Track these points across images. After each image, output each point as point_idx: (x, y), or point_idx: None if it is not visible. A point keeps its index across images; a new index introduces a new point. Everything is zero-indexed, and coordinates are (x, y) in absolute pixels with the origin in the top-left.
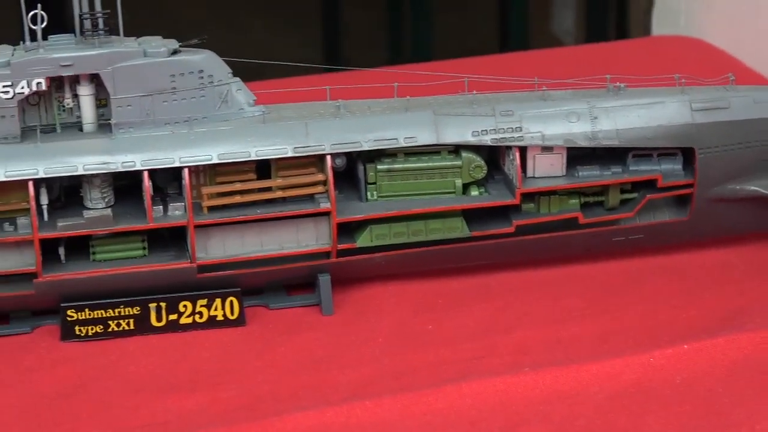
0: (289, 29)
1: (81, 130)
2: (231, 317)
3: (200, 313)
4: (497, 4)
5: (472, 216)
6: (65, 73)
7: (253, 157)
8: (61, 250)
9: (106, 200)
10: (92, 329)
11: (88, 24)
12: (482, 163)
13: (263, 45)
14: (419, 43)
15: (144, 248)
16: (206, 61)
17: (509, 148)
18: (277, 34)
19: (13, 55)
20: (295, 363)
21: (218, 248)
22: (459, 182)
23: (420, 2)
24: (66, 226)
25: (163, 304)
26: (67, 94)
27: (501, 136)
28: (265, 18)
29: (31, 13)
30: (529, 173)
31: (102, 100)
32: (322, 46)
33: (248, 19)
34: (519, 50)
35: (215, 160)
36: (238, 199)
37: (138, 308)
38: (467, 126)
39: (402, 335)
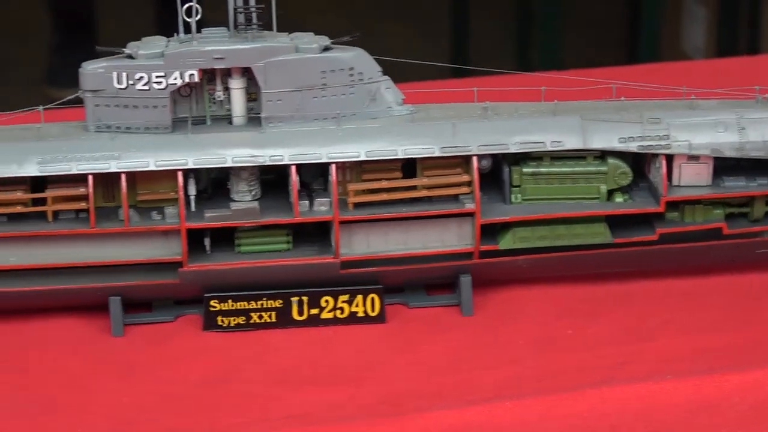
0: (418, 37)
1: (230, 123)
2: (372, 314)
3: (341, 309)
4: (627, 20)
5: (615, 222)
6: (218, 66)
7: (400, 156)
8: (207, 241)
9: (253, 193)
10: (234, 320)
11: (241, 18)
12: (628, 169)
13: (394, 52)
14: (547, 54)
15: (289, 242)
16: (357, 58)
17: (655, 155)
18: (408, 40)
19: (167, 46)
20: (436, 362)
21: (362, 245)
22: (604, 188)
23: (550, 15)
24: (213, 217)
25: (305, 299)
26: (219, 87)
27: (648, 143)
28: (395, 25)
29: (186, 5)
30: (674, 182)
31: (252, 94)
32: (450, 54)
33: (379, 25)
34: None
35: (362, 157)
36: (383, 196)
37: (280, 301)
38: (614, 132)
39: (544, 338)
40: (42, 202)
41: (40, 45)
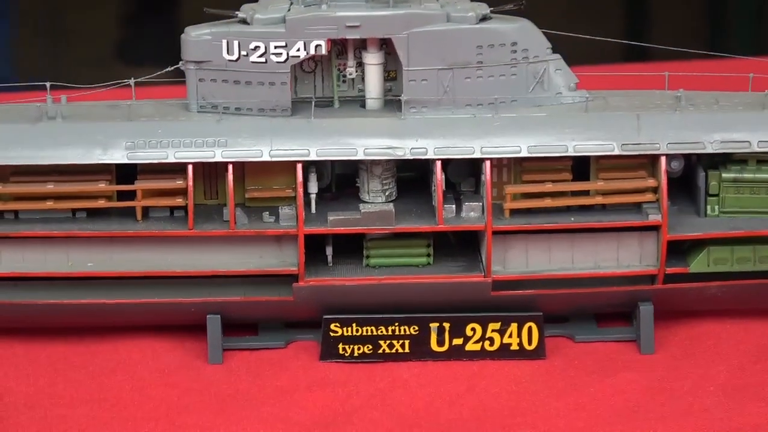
0: (586, 19)
1: (363, 106)
2: (528, 347)
3: (491, 339)
4: None
5: None
6: (351, 35)
7: (571, 153)
8: (329, 250)
9: (387, 194)
10: (359, 349)
11: None
12: None
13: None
14: (743, 38)
15: (429, 255)
16: (521, 31)
17: None
18: (576, 22)
19: (289, 10)
20: (605, 409)
21: (519, 261)
22: None
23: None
24: (337, 221)
25: (446, 325)
26: (350, 62)
27: None
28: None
29: None
30: None
31: (391, 72)
32: (624, 37)
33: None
34: None
35: (524, 153)
36: (548, 202)
37: (416, 327)
38: None
39: (739, 385)
40: (130, 195)
41: (108, 16)
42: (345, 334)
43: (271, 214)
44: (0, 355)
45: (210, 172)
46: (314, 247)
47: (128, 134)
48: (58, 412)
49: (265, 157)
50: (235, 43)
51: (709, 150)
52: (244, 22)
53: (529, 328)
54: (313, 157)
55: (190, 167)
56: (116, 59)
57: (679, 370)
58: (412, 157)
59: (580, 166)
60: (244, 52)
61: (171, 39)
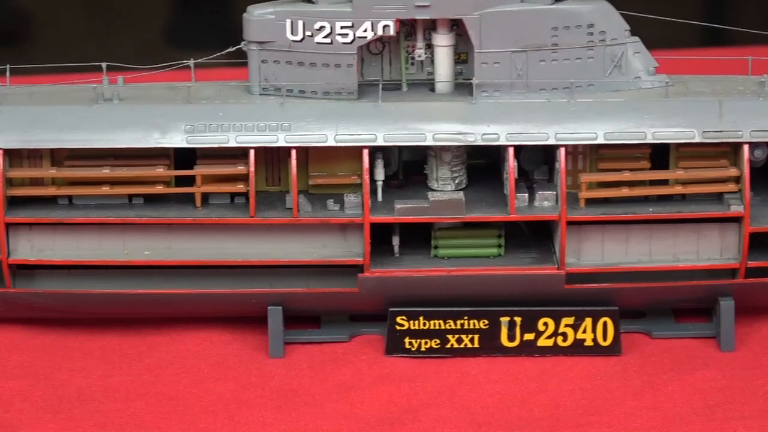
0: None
1: (432, 90)
2: (603, 343)
3: (564, 335)
4: None
5: None
6: (420, 15)
7: (650, 140)
8: (396, 240)
9: (457, 181)
10: (426, 343)
11: None
12: None
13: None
14: None
15: (500, 246)
16: (599, 12)
17: None
18: (653, 3)
19: None
20: (682, 408)
21: (594, 253)
22: None
23: None
24: (405, 210)
25: (517, 319)
26: (420, 44)
27: None
28: None
29: None
30: None
31: (462, 54)
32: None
33: None
34: None
35: (600, 140)
36: (625, 191)
37: (486, 322)
38: None
39: None
40: (189, 181)
41: None
42: (412, 327)
43: (335, 202)
44: (53, 346)
45: (272, 158)
46: (381, 237)
47: (188, 117)
48: (113, 406)
49: (330, 142)
50: (300, 23)
51: None
52: (309, 1)
53: (604, 324)
54: (380, 142)
55: (251, 152)
56: (166, 42)
57: (761, 368)
58: (483, 144)
59: (659, 155)
60: (308, 33)
61: (224, 21)
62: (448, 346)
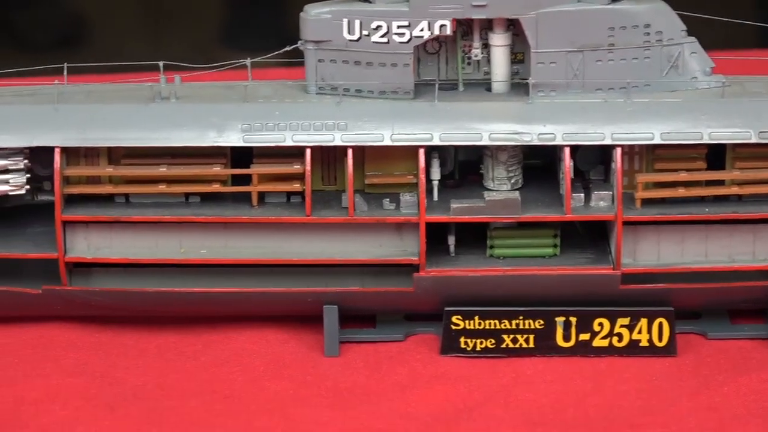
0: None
1: (489, 89)
2: (658, 344)
3: (619, 335)
4: None
5: None
6: (477, 15)
7: (706, 140)
8: (451, 240)
9: (513, 181)
10: (481, 343)
11: None
12: None
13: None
14: None
15: (555, 246)
16: (655, 12)
17: None
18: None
19: None
20: (738, 409)
21: (650, 253)
22: None
23: None
24: (461, 209)
25: (572, 320)
26: (476, 44)
27: None
28: None
29: None
30: None
31: (518, 54)
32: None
33: None
34: None
35: (657, 141)
36: (681, 192)
37: (541, 322)
38: None
39: None
40: (245, 180)
41: None
42: (467, 327)
43: (391, 201)
44: (109, 344)
45: (328, 157)
46: (436, 237)
47: (244, 116)
48: (168, 404)
49: (387, 142)
50: (357, 22)
51: None
52: (366, 0)
53: (660, 324)
54: (436, 141)
55: (308, 151)
56: (220, 42)
57: None
58: (539, 143)
59: (715, 155)
60: (365, 32)
61: (277, 21)
62: (504, 345)
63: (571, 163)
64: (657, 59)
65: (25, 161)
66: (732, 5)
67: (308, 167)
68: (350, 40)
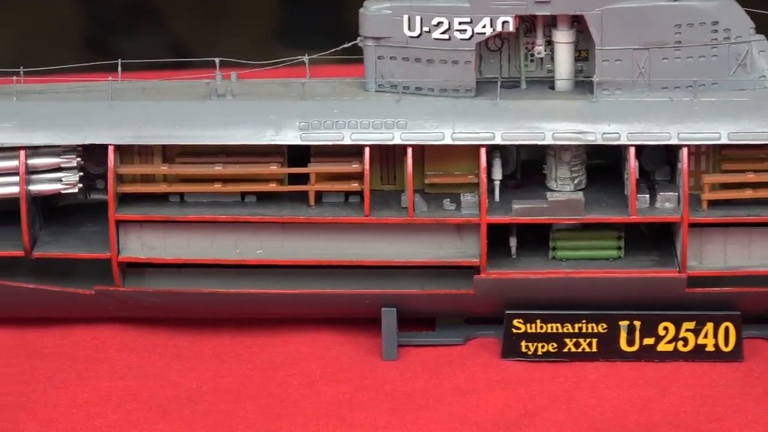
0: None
1: (552, 87)
2: (724, 349)
3: (684, 340)
4: None
5: None
6: (540, 12)
7: None
8: (513, 241)
9: (576, 182)
10: (543, 347)
11: None
12: None
13: None
14: None
15: (620, 248)
16: (723, 9)
17: None
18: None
19: None
20: None
21: (717, 256)
22: None
23: None
24: (523, 210)
25: (637, 324)
26: (539, 41)
27: None
28: None
29: None
30: None
31: (582, 52)
32: None
33: None
34: None
35: (724, 140)
36: (749, 193)
37: (605, 325)
38: None
39: None
40: (302, 179)
41: None
42: (528, 330)
43: (451, 202)
44: (163, 346)
45: (387, 156)
46: (498, 238)
47: (302, 114)
48: (223, 407)
49: (447, 140)
50: (417, 18)
51: None
52: None
53: (726, 329)
54: (498, 141)
55: (367, 150)
56: (275, 39)
57: None
58: (603, 143)
59: None
60: (426, 28)
61: (332, 18)
62: (566, 350)
63: (636, 164)
64: (724, 57)
65: (78, 159)
66: None
67: (367, 166)
68: (411, 37)
